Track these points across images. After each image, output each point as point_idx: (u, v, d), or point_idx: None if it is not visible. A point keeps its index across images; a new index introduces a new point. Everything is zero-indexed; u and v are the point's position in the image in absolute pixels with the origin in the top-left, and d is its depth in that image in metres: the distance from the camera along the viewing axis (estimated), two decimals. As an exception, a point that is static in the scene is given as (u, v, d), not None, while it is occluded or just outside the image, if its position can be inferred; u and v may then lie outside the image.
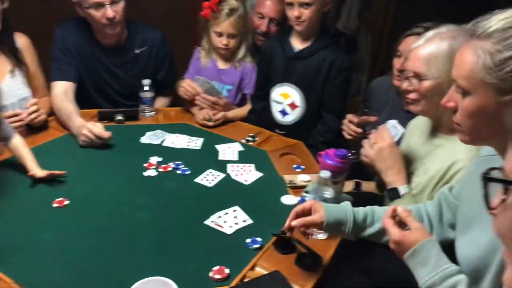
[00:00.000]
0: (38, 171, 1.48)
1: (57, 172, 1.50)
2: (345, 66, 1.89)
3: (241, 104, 2.20)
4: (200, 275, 1.15)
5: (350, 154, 1.68)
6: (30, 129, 1.83)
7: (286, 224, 1.15)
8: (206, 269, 1.16)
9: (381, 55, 4.05)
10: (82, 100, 2.03)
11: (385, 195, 1.41)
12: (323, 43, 1.90)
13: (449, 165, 1.25)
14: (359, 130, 1.70)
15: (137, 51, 2.10)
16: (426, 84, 1.26)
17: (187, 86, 2.02)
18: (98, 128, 1.72)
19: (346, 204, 1.18)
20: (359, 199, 1.62)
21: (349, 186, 1.72)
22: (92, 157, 1.70)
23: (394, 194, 1.35)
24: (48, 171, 1.49)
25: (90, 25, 2.01)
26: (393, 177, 1.37)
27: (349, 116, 1.78)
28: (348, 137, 1.78)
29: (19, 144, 1.53)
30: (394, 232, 1.00)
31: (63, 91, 1.95)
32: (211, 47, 2.12)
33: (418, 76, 1.27)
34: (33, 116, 1.79)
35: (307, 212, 1.14)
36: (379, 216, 1.16)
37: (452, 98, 0.99)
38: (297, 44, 1.94)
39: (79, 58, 2.03)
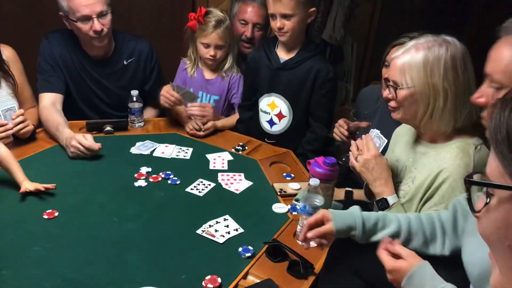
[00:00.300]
0: (28, 185, 1.47)
1: (45, 186, 1.48)
2: (330, 76, 1.92)
3: (228, 114, 2.22)
4: (193, 284, 1.15)
5: (344, 158, 1.71)
6: (19, 141, 1.81)
7: (301, 237, 1.16)
8: (199, 278, 1.16)
9: (366, 64, 4.12)
10: (70, 111, 2.02)
11: (374, 205, 1.43)
12: (309, 53, 1.92)
13: (436, 173, 1.27)
14: (346, 133, 1.74)
15: (124, 62, 2.11)
16: (402, 93, 1.29)
17: (165, 93, 1.98)
18: (88, 141, 1.71)
19: (355, 209, 1.19)
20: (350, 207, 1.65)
21: (340, 194, 1.74)
22: (81, 168, 1.69)
23: (383, 205, 1.37)
24: (37, 184, 1.47)
25: (77, 37, 2.01)
26: (381, 188, 1.39)
27: (340, 121, 1.82)
28: (338, 139, 1.81)
29: (5, 156, 1.51)
30: (388, 261, 1.02)
31: (50, 103, 1.95)
32: (198, 57, 2.13)
33: (396, 85, 1.30)
34: (20, 127, 1.77)
35: (320, 223, 1.15)
36: (390, 220, 1.16)
37: (484, 94, 1.00)
38: (283, 55, 1.96)
39: (66, 70, 2.03)
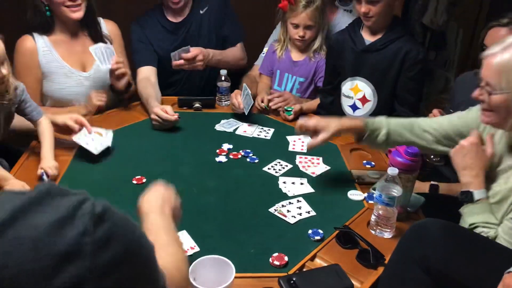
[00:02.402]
0: (48, 162, 1.52)
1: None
2: (420, 57, 1.81)
3: (314, 97, 2.19)
4: (260, 259, 1.18)
5: (433, 156, 1.60)
6: (115, 113, 1.99)
7: None
8: (266, 254, 1.19)
9: (472, 53, 3.79)
10: (162, 86, 2.16)
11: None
12: (396, 34, 1.83)
13: None
14: None
15: (201, 12, 2.22)
16: (495, 98, 1.15)
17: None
18: (165, 114, 1.82)
19: None
20: (436, 202, 1.56)
21: (425, 188, 1.65)
22: (170, 140, 1.80)
23: (467, 198, 1.26)
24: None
25: (159, 12, 2.18)
26: (469, 179, 1.27)
27: (435, 111, 1.71)
28: None
29: (45, 129, 1.60)
30: None
31: (145, 76, 2.11)
32: (287, 38, 2.13)
33: (489, 87, 1.17)
34: (116, 66, 1.91)
35: None
36: None
37: None
38: (368, 37, 1.89)
39: (157, 47, 2.18)
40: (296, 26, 2.03)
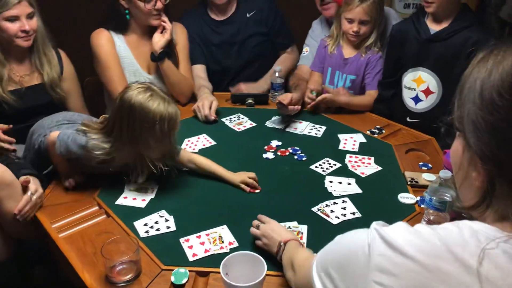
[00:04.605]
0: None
1: None
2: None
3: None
4: (297, 259, 1.15)
5: None
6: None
7: None
8: (304, 254, 1.15)
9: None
10: (214, 83, 2.19)
11: None
12: (464, 23, 1.69)
13: None
14: None
15: (247, 15, 2.24)
16: None
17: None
18: (207, 109, 1.88)
19: None
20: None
21: None
22: (219, 134, 1.81)
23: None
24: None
25: (202, 10, 2.24)
26: None
27: None
28: None
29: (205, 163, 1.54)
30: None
31: (196, 74, 2.16)
32: (340, 34, 2.05)
33: None
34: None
35: None
36: None
37: None
38: (433, 25, 1.77)
39: (203, 44, 2.23)
40: (351, 21, 1.94)
